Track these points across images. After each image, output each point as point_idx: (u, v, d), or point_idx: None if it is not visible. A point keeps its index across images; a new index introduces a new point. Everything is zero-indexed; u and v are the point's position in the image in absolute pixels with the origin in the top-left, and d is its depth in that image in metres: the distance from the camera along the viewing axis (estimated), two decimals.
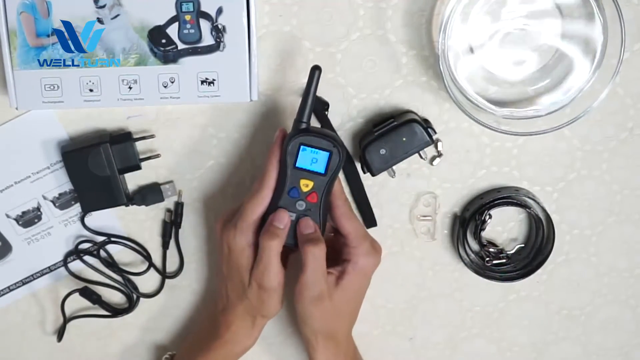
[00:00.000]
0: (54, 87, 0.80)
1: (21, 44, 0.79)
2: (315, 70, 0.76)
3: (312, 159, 0.77)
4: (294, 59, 0.83)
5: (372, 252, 0.81)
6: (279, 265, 0.78)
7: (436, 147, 0.85)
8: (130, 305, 0.89)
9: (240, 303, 0.81)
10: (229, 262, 0.80)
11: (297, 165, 0.77)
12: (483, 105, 0.80)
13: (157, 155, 0.85)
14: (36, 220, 0.87)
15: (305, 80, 0.77)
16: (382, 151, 0.81)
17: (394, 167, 0.83)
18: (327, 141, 0.76)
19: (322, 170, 0.77)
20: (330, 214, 0.80)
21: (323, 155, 0.77)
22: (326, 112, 0.83)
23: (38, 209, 0.86)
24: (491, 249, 0.88)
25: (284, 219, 0.77)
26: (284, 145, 0.77)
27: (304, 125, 0.77)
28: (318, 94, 0.80)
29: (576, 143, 0.86)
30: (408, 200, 0.87)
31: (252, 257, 0.78)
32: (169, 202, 0.87)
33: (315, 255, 0.77)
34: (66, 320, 0.88)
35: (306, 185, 0.77)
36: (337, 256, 0.81)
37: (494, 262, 0.88)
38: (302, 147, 0.76)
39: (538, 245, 0.87)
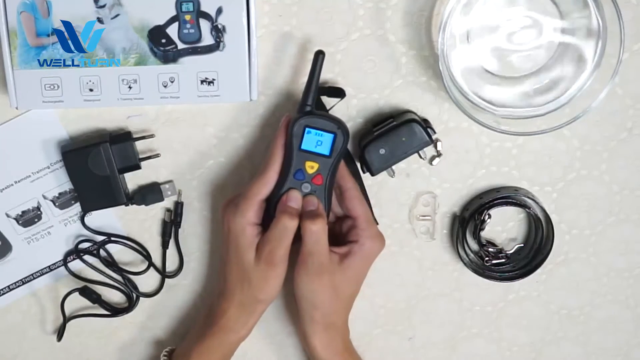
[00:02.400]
0: (54, 87, 0.80)
1: (21, 44, 0.79)
2: (319, 54, 0.77)
3: (317, 141, 0.78)
4: (294, 59, 0.83)
5: (378, 237, 0.82)
6: (289, 245, 0.78)
7: (435, 147, 0.85)
8: (130, 305, 0.89)
9: (239, 286, 0.80)
10: (229, 243, 0.80)
11: (302, 147, 0.77)
12: (482, 105, 0.80)
13: (157, 155, 0.85)
14: (36, 220, 0.87)
15: (305, 79, 0.77)
16: (382, 151, 0.82)
17: (393, 167, 0.83)
18: (331, 123, 0.77)
19: (326, 152, 0.78)
20: (340, 198, 0.81)
21: (327, 137, 0.77)
22: (342, 99, 0.83)
23: (38, 208, 0.86)
24: (490, 249, 0.88)
25: (298, 199, 0.78)
26: (289, 127, 0.78)
27: (308, 108, 0.78)
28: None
29: (575, 143, 0.86)
30: (407, 200, 0.87)
31: (254, 237, 0.79)
32: (169, 202, 0.87)
33: (313, 231, 0.77)
34: (66, 319, 0.88)
35: (311, 167, 0.78)
36: (341, 240, 0.81)
37: (493, 262, 0.88)
38: (307, 129, 0.77)
39: (537, 245, 0.87)
